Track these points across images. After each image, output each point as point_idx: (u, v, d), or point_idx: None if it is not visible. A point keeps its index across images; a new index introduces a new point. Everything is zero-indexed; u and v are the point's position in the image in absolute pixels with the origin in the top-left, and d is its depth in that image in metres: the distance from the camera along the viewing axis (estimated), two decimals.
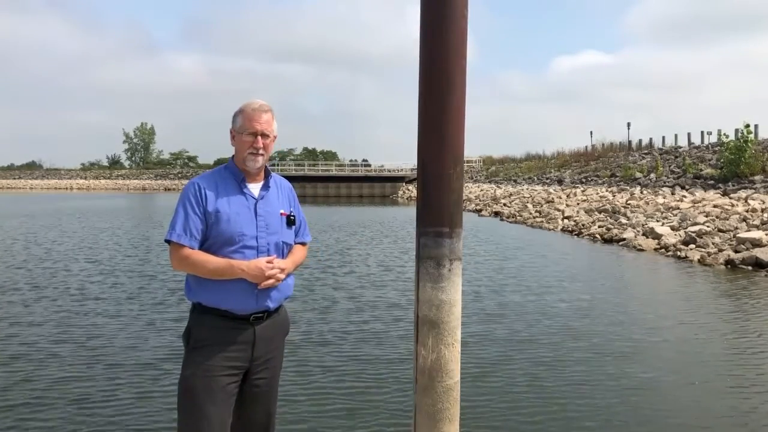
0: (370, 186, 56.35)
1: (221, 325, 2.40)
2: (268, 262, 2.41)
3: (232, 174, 2.51)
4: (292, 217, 2.58)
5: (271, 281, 2.41)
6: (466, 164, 45.33)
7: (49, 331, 6.44)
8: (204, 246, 2.41)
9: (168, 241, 2.41)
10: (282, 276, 2.45)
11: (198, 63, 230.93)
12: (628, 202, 21.62)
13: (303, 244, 2.70)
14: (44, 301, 7.89)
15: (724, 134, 26.88)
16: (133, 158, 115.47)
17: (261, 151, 2.47)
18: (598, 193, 26.67)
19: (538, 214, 22.91)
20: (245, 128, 2.47)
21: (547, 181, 39.65)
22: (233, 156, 2.55)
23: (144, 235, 17.70)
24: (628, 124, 45.77)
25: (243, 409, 2.50)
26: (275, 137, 2.56)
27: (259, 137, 2.46)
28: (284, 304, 2.64)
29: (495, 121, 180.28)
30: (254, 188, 2.51)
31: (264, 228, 2.46)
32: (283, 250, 2.53)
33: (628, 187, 27.63)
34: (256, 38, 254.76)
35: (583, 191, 28.89)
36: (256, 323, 2.45)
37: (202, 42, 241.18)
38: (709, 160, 28.00)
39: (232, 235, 2.40)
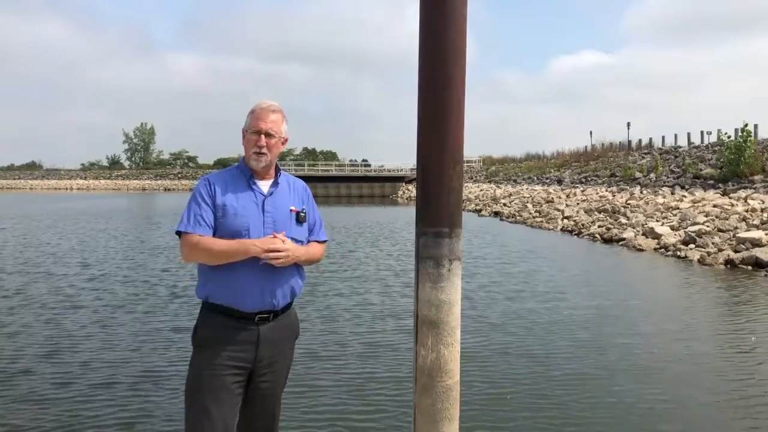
0: (370, 186, 56.39)
1: (226, 324, 2.41)
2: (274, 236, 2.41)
3: (242, 172, 2.54)
4: (302, 214, 2.58)
5: (273, 254, 2.38)
6: (465, 164, 45.40)
7: (51, 334, 6.42)
8: None
9: (179, 233, 2.44)
10: (286, 256, 2.41)
11: (198, 63, 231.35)
12: (628, 201, 21.62)
13: (318, 242, 2.69)
14: (34, 307, 7.52)
15: (725, 134, 26.89)
16: (133, 158, 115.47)
17: (264, 150, 2.48)
18: (597, 193, 26.66)
19: (537, 214, 22.91)
20: (251, 126, 2.50)
21: (547, 181, 39.65)
22: (244, 156, 2.58)
23: (141, 237, 17.67)
24: (628, 124, 45.88)
25: (247, 410, 2.50)
26: (285, 139, 2.58)
27: (263, 136, 2.48)
28: (294, 307, 2.63)
29: (495, 121, 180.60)
30: (263, 185, 2.54)
31: (271, 224, 2.47)
32: None
33: (627, 187, 27.63)
34: (256, 38, 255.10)
35: (582, 191, 28.88)
36: (260, 324, 2.44)
37: (202, 42, 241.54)
38: (709, 160, 28.00)
39: (238, 229, 2.41)
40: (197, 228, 2.40)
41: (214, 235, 2.43)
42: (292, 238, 2.53)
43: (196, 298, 2.53)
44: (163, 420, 4.11)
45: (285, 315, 2.55)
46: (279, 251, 2.40)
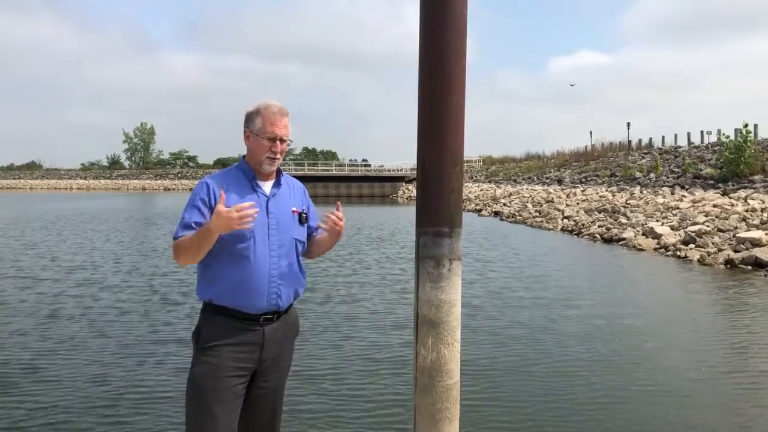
0: (370, 186, 56.40)
1: (231, 325, 2.40)
2: (238, 210, 2.25)
3: (244, 173, 2.52)
4: (304, 215, 2.58)
5: (246, 219, 2.28)
6: (465, 164, 45.38)
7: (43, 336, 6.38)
8: (216, 245, 2.40)
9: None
10: (342, 224, 2.57)
11: (197, 62, 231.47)
12: (628, 201, 21.62)
13: None
14: (18, 316, 7.17)
15: (724, 134, 26.90)
16: (133, 158, 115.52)
17: (279, 155, 2.49)
18: (597, 193, 26.66)
19: (537, 214, 22.91)
20: (265, 132, 2.46)
21: (547, 180, 39.65)
22: (244, 155, 2.55)
23: (138, 239, 17.60)
24: (628, 124, 45.94)
25: (249, 410, 2.50)
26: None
27: (278, 142, 2.47)
28: (294, 306, 2.63)
29: (495, 121, 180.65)
30: (266, 186, 2.52)
31: (275, 225, 2.47)
32: (297, 248, 2.54)
33: (627, 187, 27.63)
34: (255, 37, 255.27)
35: (582, 191, 28.88)
36: (265, 324, 2.44)
37: (201, 41, 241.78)
38: (709, 160, 28.00)
39: (243, 231, 2.38)
40: (186, 233, 2.38)
41: (218, 239, 2.39)
42: (295, 239, 2.54)
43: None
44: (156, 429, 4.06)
45: (287, 314, 2.56)
46: (339, 219, 2.55)
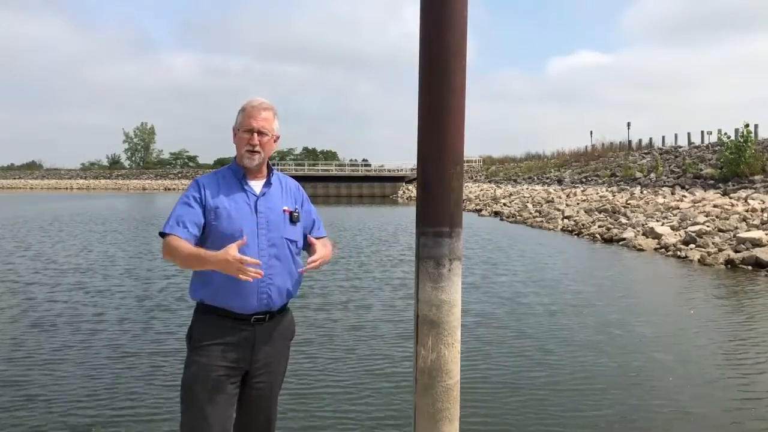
0: (370, 186, 56.42)
1: (222, 325, 2.41)
2: (241, 261, 2.23)
3: (234, 172, 2.53)
4: (296, 214, 2.56)
5: (248, 276, 2.26)
6: (466, 164, 45.36)
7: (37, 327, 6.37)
8: (206, 243, 2.41)
9: (162, 234, 2.41)
10: (318, 265, 2.47)
11: (197, 62, 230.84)
12: (628, 201, 21.62)
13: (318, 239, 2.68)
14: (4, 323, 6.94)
15: (725, 134, 26.90)
16: (133, 158, 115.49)
17: (257, 149, 2.47)
18: (598, 193, 26.67)
19: (538, 214, 22.91)
20: (243, 125, 2.49)
21: (547, 180, 39.66)
22: (236, 155, 2.56)
23: (134, 241, 17.55)
24: (628, 124, 45.91)
25: (242, 412, 2.50)
26: (277, 137, 2.56)
27: (255, 134, 2.47)
28: (290, 307, 2.61)
29: (495, 121, 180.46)
30: (256, 185, 2.52)
31: (264, 225, 2.46)
32: (289, 247, 2.52)
33: (628, 187, 27.64)
34: (255, 37, 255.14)
35: (583, 191, 28.89)
36: (257, 324, 2.44)
37: (201, 41, 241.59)
38: (709, 160, 28.00)
39: (232, 231, 2.39)
40: (175, 229, 2.36)
41: (210, 238, 2.41)
42: (286, 239, 2.51)
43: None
44: None
45: (281, 315, 2.55)
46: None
